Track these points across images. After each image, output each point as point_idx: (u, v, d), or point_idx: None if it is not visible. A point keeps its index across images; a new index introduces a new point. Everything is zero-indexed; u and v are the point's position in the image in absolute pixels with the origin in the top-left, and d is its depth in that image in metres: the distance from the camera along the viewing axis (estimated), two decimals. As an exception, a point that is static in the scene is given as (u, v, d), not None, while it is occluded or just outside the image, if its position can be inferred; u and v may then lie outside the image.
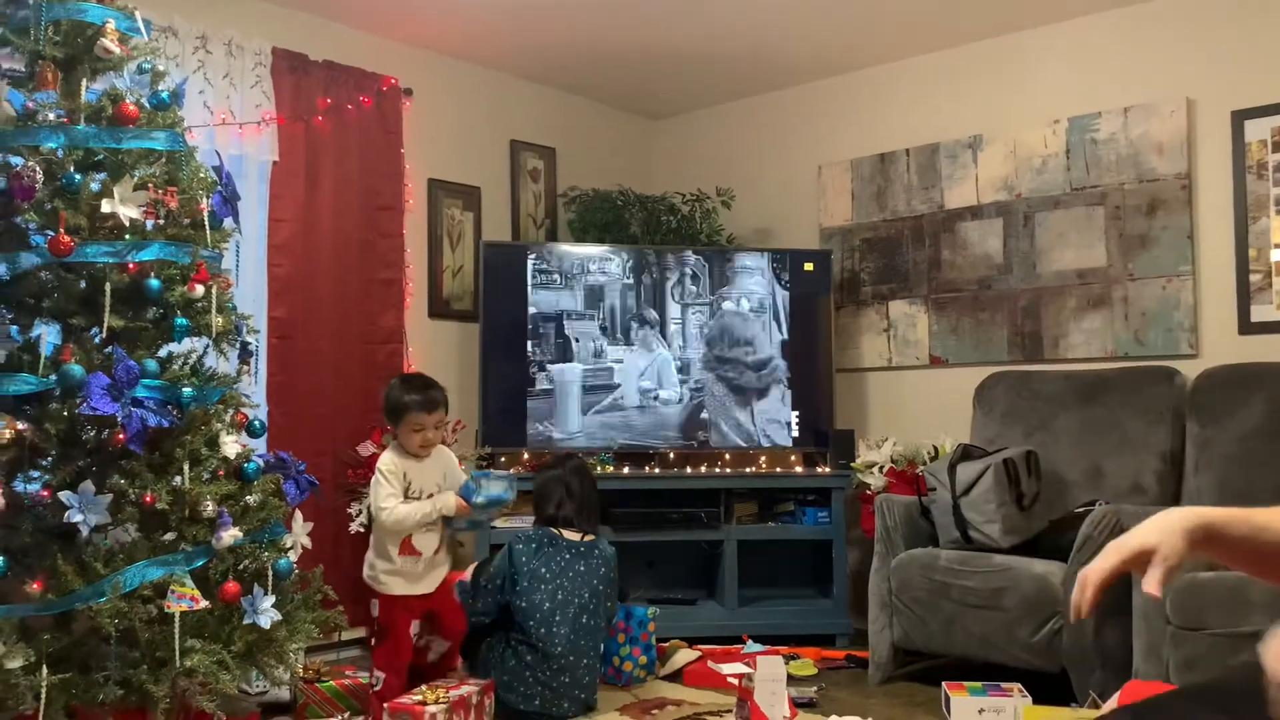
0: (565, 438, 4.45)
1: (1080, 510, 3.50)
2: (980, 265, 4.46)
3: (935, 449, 4.19)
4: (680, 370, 4.54)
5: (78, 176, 2.59)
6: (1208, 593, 2.92)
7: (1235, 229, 3.83)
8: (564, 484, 3.41)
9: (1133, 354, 4.02)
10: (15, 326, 2.57)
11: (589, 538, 3.36)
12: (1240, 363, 3.63)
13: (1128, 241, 4.08)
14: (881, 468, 4.24)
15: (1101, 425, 3.82)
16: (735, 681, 2.85)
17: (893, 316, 4.70)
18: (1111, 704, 1.43)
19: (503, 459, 4.37)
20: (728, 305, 4.58)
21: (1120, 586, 3.14)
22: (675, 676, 3.69)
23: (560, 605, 3.19)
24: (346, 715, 2.98)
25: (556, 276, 4.51)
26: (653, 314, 4.54)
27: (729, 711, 3.24)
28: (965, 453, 3.73)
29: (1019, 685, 3.09)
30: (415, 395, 3.15)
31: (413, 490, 3.11)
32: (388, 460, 3.13)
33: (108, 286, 2.56)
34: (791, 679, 3.09)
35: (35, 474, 2.52)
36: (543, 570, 3.22)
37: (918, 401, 4.57)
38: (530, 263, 4.49)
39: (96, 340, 2.61)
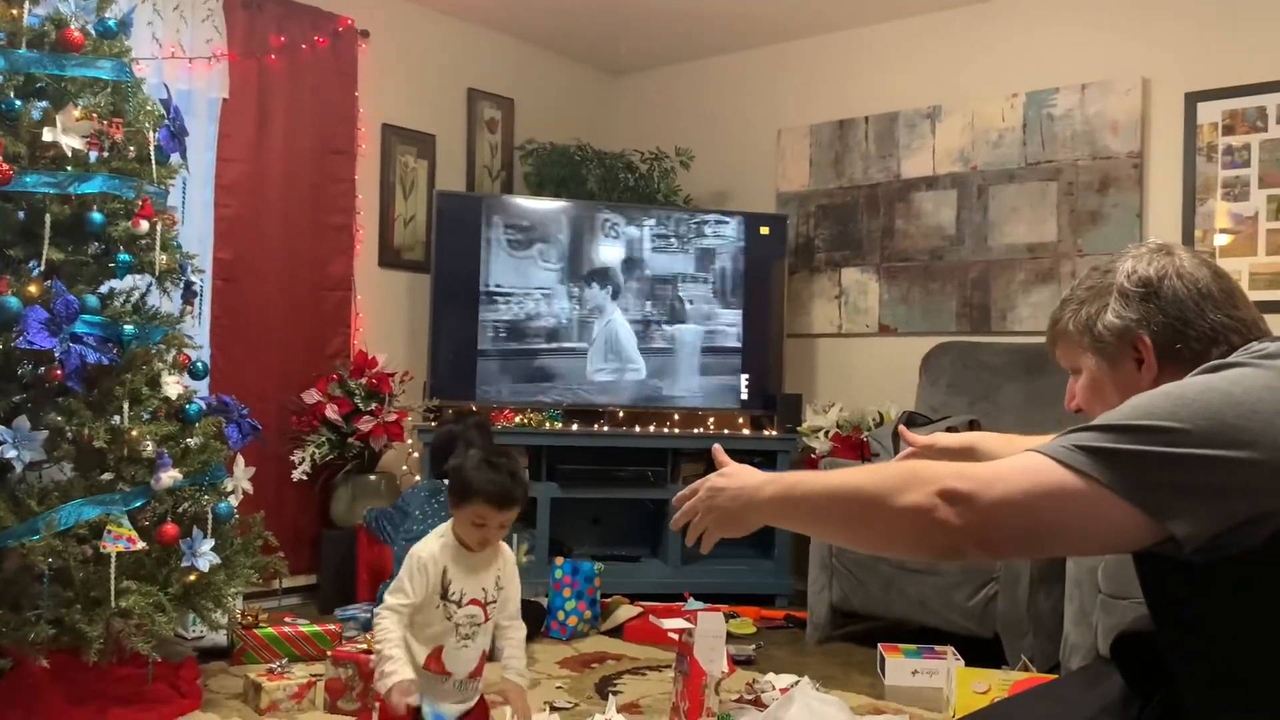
0: (513, 392, 4.43)
1: (1019, 480, 3.56)
2: (933, 236, 4.49)
3: (881, 416, 4.24)
4: (631, 329, 4.53)
5: (18, 103, 2.51)
6: (1138, 563, 3.00)
7: (1183, 210, 3.89)
8: (464, 439, 3.43)
9: (1077, 329, 4.08)
10: (-51, 256, 2.50)
11: None
12: (1180, 341, 3.70)
13: (1078, 218, 4.13)
14: (827, 432, 4.29)
15: (1045, 397, 3.87)
16: (675, 636, 2.87)
17: (845, 284, 4.72)
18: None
19: (450, 411, 4.34)
20: (682, 266, 4.57)
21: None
22: (616, 632, 3.72)
23: None
24: (284, 661, 2.96)
25: (511, 229, 4.46)
26: (606, 272, 4.52)
27: (668, 666, 3.27)
28: (909, 420, 3.78)
29: (952, 648, 3.16)
30: (493, 484, 2.28)
31: (451, 592, 2.27)
32: (432, 550, 2.28)
33: (48, 218, 2.50)
34: (731, 636, 3.12)
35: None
36: (426, 517, 3.37)
37: (866, 369, 4.61)
38: (484, 214, 4.43)
39: (35, 273, 2.55)
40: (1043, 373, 3.92)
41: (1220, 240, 3.82)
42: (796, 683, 2.82)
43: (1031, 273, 4.23)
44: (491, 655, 2.37)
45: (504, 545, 2.40)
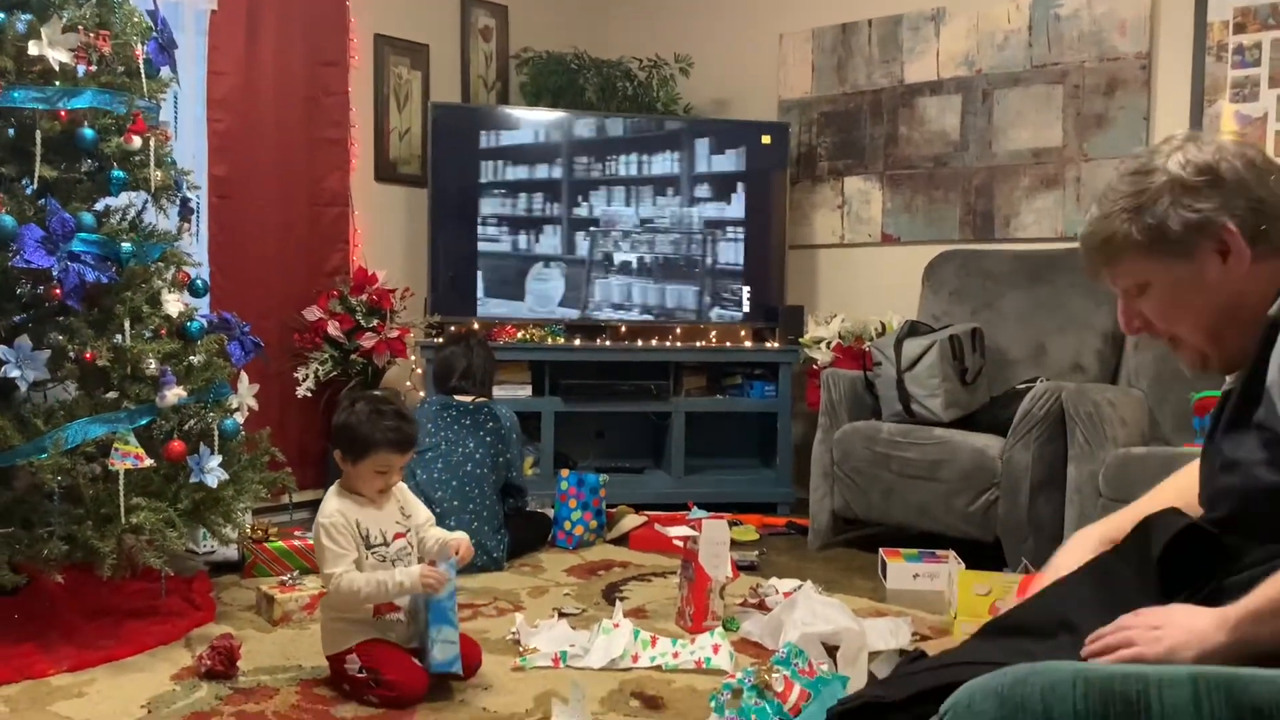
0: (514, 308, 4.42)
1: (1021, 387, 3.57)
2: (937, 142, 4.43)
3: (883, 325, 4.23)
4: (633, 242, 4.50)
5: (1, 16, 2.45)
6: (1139, 467, 3.01)
7: (1191, 112, 3.83)
8: (465, 358, 3.56)
9: (1082, 235, 4.05)
10: (-60, 174, 2.46)
11: (480, 400, 3.52)
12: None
13: (1084, 121, 4.06)
14: (829, 343, 4.28)
15: (1047, 305, 3.87)
16: (680, 544, 2.91)
17: (848, 193, 4.67)
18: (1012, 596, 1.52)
19: (452, 328, 4.33)
20: (681, 177, 4.52)
21: (1058, 459, 3.26)
22: (622, 540, 3.77)
23: (448, 460, 3.35)
24: (295, 574, 3.00)
25: (508, 141, 4.40)
26: (605, 184, 4.47)
27: (673, 573, 3.32)
28: (912, 329, 3.77)
29: (953, 552, 3.20)
30: (392, 431, 2.33)
31: (373, 537, 2.32)
32: (332, 511, 2.30)
33: (38, 134, 2.45)
34: (734, 544, 3.15)
35: (-32, 329, 2.46)
36: (438, 430, 3.39)
37: (868, 279, 4.59)
38: (481, 126, 4.37)
39: (28, 192, 2.52)
40: (1045, 280, 3.90)
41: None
42: (799, 587, 2.87)
43: (1036, 179, 4.18)
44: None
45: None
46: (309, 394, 3.99)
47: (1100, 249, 1.28)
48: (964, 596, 2.68)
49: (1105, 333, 3.74)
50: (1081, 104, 4.06)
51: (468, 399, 3.51)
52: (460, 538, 2.41)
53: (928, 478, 3.45)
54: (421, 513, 2.48)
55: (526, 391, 4.31)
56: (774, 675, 2.21)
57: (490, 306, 4.40)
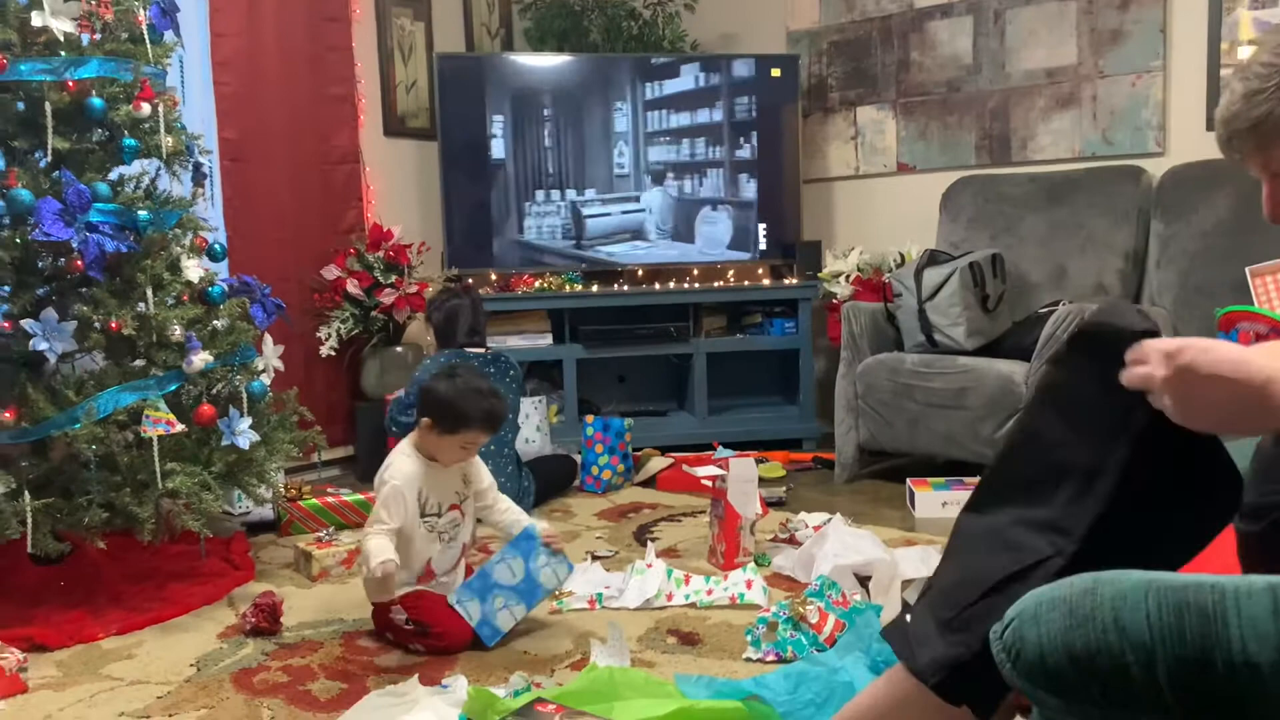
0: (530, 257, 4.42)
1: (1044, 310, 3.55)
2: (949, 66, 4.36)
3: (901, 256, 4.21)
4: (644, 183, 4.47)
5: (2, -13, 2.43)
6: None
7: (1209, 21, 3.74)
8: (469, 310, 3.50)
9: (1100, 154, 4.00)
10: (-46, 152, 2.47)
11: (490, 350, 3.52)
12: (1206, 159, 3.62)
13: (1099, 37, 3.99)
14: (848, 277, 4.26)
15: (1067, 226, 3.83)
16: (709, 483, 2.93)
17: (860, 123, 4.61)
18: None
19: (470, 279, 4.34)
20: (691, 115, 4.47)
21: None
22: (649, 483, 3.80)
23: None
24: (331, 530, 3.05)
25: (516, 88, 4.36)
26: (615, 126, 4.43)
27: (701, 513, 3.36)
28: (931, 258, 3.75)
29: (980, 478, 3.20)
30: (487, 412, 2.35)
31: (430, 506, 2.36)
32: (402, 472, 2.32)
33: (48, 106, 2.45)
34: (762, 480, 3.17)
35: (-6, 303, 2.48)
36: None
37: (885, 210, 4.55)
38: (487, 75, 4.33)
39: (42, 165, 2.52)
40: (1064, 202, 3.86)
41: (1247, 52, 3.69)
42: (829, 520, 2.89)
43: (1051, 99, 4.12)
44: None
45: None
46: (332, 352, 4.02)
47: (1250, 132, 1.17)
48: (993, 522, 2.69)
49: (1126, 252, 3.71)
50: (1095, 19, 3.98)
51: (480, 350, 3.51)
52: (546, 528, 2.43)
53: (953, 406, 3.45)
54: (485, 478, 2.49)
55: (547, 340, 4.32)
56: (808, 607, 2.24)
57: (505, 256, 4.39)
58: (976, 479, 3.13)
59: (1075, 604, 0.96)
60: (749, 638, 2.24)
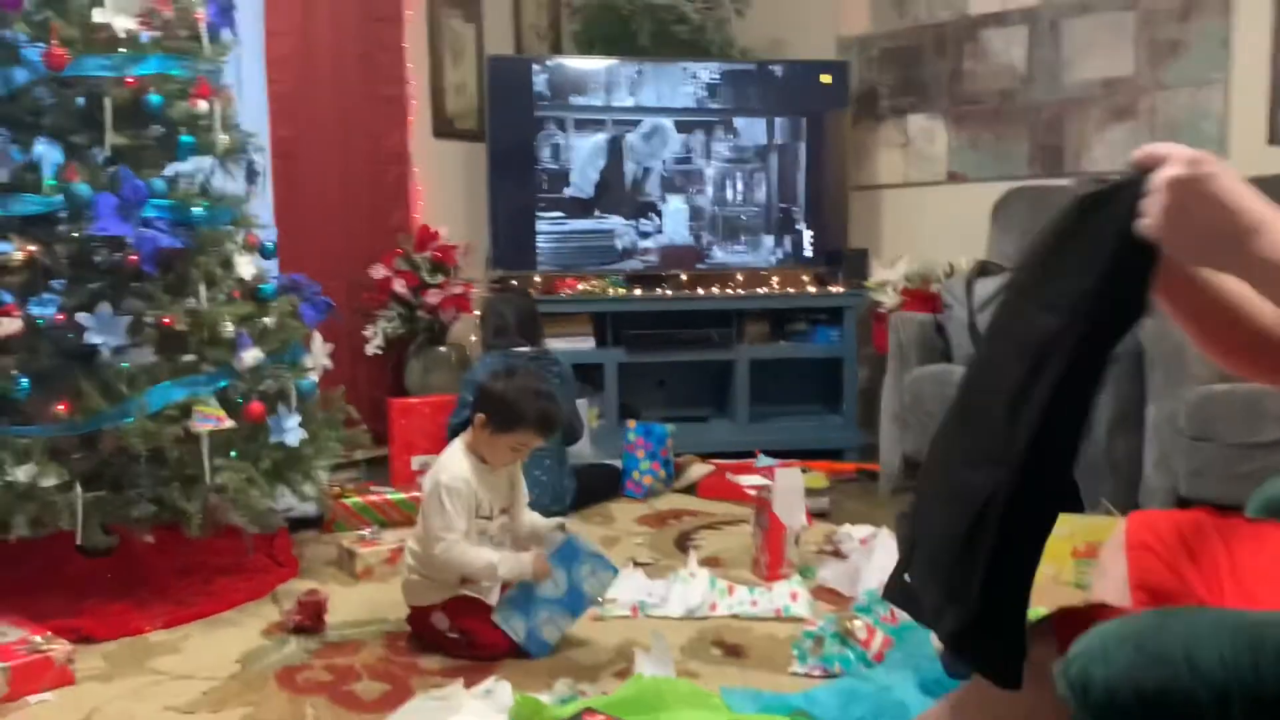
0: (574, 260, 4.41)
1: (1096, 325, 3.49)
2: (1003, 76, 4.30)
3: (951, 267, 4.15)
4: (691, 188, 4.45)
5: (66, -16, 2.46)
6: (1221, 404, 2.95)
7: (1273, 32, 3.66)
8: (516, 311, 3.57)
9: (1157, 167, 3.92)
10: (15, 146, 2.49)
11: (538, 350, 3.55)
12: (1266, 175, 3.54)
13: (1158, 48, 3.92)
14: (895, 286, 4.22)
15: (1121, 240, 3.76)
16: (753, 493, 2.91)
17: (911, 131, 4.57)
18: (1119, 534, 1.41)
19: (514, 282, 4.34)
20: (740, 120, 4.45)
21: (1135, 398, 3.19)
22: (690, 489, 3.78)
23: None
24: (374, 528, 3.05)
25: (564, 90, 4.36)
26: (663, 130, 4.42)
27: (743, 521, 3.32)
28: (982, 269, 3.70)
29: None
30: (542, 413, 2.35)
31: (482, 508, 2.34)
32: (458, 472, 2.30)
33: (107, 102, 2.47)
34: (805, 491, 3.14)
35: (49, 297, 2.50)
36: None
37: (934, 219, 4.50)
38: (536, 77, 4.33)
39: (100, 160, 2.54)
40: (1120, 214, 3.79)
41: (1313, 64, 3.61)
42: (875, 533, 2.85)
43: (1107, 110, 4.05)
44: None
45: None
46: (378, 351, 4.03)
47: None
48: (1044, 540, 2.64)
49: (1183, 267, 3.63)
50: (1155, 30, 3.91)
51: (527, 349, 3.54)
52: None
53: (1001, 420, 3.40)
54: (523, 489, 2.49)
55: (589, 343, 4.31)
56: (855, 623, 2.21)
57: (549, 259, 4.38)
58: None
59: (1144, 641, 0.94)
60: (795, 652, 2.21)
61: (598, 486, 3.63)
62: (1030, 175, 4.23)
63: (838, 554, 2.88)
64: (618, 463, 3.76)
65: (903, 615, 2.28)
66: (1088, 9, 4.06)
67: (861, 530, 2.98)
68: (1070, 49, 4.12)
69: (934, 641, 2.01)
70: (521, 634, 2.27)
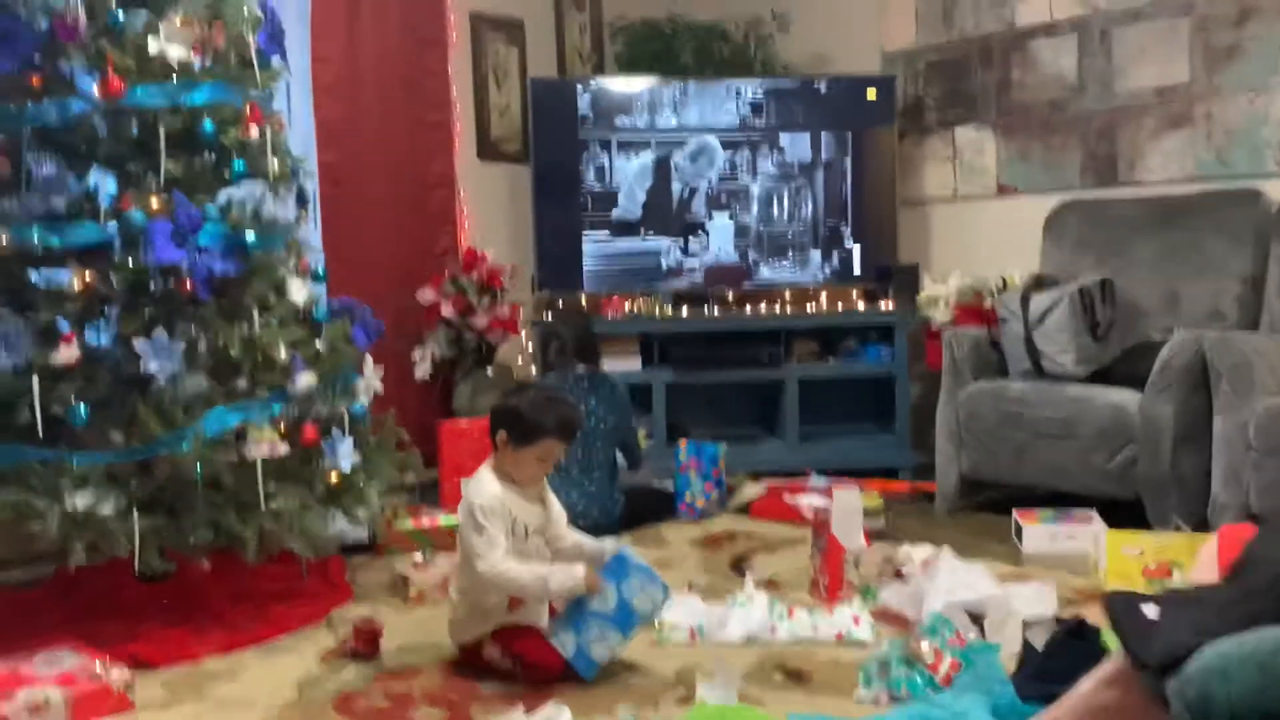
0: (620, 281, 4.39)
1: (1157, 338, 3.41)
2: (1052, 86, 4.24)
3: (1004, 281, 4.08)
4: (738, 206, 4.42)
5: (121, 14, 2.49)
6: (1294, 417, 2.86)
7: (1333, 36, 3.59)
8: (570, 332, 3.62)
9: (1214, 174, 3.83)
10: (71, 175, 2.51)
11: (593, 370, 3.59)
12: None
13: (1213, 54, 3.84)
14: (947, 301, 4.15)
15: (1180, 250, 3.68)
16: (810, 514, 2.86)
17: (959, 144, 4.51)
18: (1210, 550, 1.38)
19: (560, 302, 4.32)
20: (785, 138, 4.42)
21: (1200, 412, 3.10)
22: (742, 510, 3.73)
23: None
24: (426, 553, 3.03)
25: (608, 111, 4.35)
26: (708, 149, 4.39)
27: (799, 543, 3.26)
28: (1037, 282, 3.63)
29: (1095, 512, 3.07)
30: (560, 419, 2.35)
31: (518, 528, 2.31)
32: (492, 496, 2.29)
33: (162, 130, 2.49)
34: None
35: (105, 324, 2.51)
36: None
37: (984, 233, 4.43)
38: (580, 99, 4.32)
39: (154, 187, 2.56)
40: (1178, 225, 3.71)
41: (1377, 67, 3.51)
42: (937, 554, 2.78)
43: (1162, 119, 3.97)
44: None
45: None
46: (427, 375, 4.03)
47: None
48: (1113, 558, 2.57)
49: (1244, 276, 3.55)
50: (1210, 36, 3.84)
51: (581, 369, 3.56)
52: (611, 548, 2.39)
53: (1062, 436, 3.33)
54: (556, 507, 2.45)
55: (636, 364, 4.28)
56: (922, 645, 2.15)
57: (595, 280, 4.37)
58: (1090, 511, 3.01)
59: (1267, 663, 0.89)
60: (860, 676, 2.15)
61: (647, 508, 3.59)
62: (1083, 187, 4.15)
63: (898, 575, 2.81)
64: (669, 485, 3.72)
65: (970, 637, 2.23)
66: (1140, 16, 3.99)
67: (922, 551, 2.90)
68: (1122, 57, 4.05)
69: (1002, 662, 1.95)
70: (570, 649, 2.21)
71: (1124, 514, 3.15)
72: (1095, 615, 2.06)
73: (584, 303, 4.41)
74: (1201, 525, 3.02)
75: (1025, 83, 4.31)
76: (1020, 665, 2.04)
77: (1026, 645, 2.06)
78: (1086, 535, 3.03)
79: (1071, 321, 3.43)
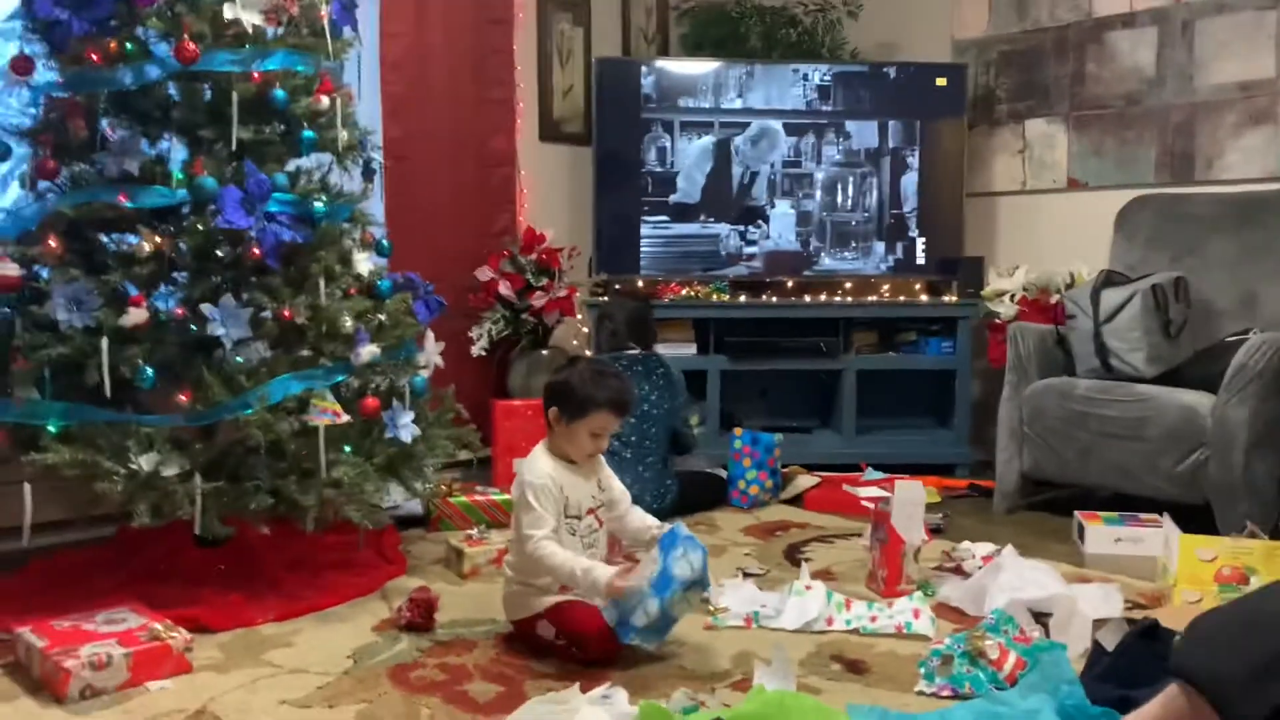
0: (677, 265, 4.35)
1: (1232, 339, 3.31)
2: (1129, 79, 4.13)
3: (1072, 276, 3.99)
4: (801, 192, 4.36)
5: (198, -21, 2.49)
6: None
7: None
8: (623, 314, 3.63)
9: (1297, 174, 3.72)
10: (144, 139, 2.53)
11: (646, 351, 3.55)
12: None
13: (1301, 49, 3.72)
14: (1013, 296, 4.07)
15: (1258, 249, 3.57)
16: (870, 505, 2.81)
17: (1029, 136, 4.41)
18: None
19: (617, 286, 4.30)
20: (852, 125, 4.35)
21: (1274, 416, 3.01)
22: (795, 501, 3.68)
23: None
24: (482, 528, 3.03)
25: (672, 93, 4.31)
26: (772, 134, 4.34)
27: (854, 535, 3.22)
28: (1108, 279, 3.54)
29: (1168, 515, 2.98)
30: (611, 391, 2.32)
31: (570, 508, 2.31)
32: (544, 473, 2.29)
33: (234, 97, 2.49)
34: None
35: (172, 290, 2.53)
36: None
37: (1052, 227, 4.33)
38: (644, 79, 4.29)
39: (225, 154, 2.57)
40: (1257, 224, 3.60)
41: None
42: (999, 551, 2.73)
43: (1244, 114, 3.85)
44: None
45: None
46: (483, 353, 4.03)
47: None
48: (1185, 562, 2.49)
49: (1327, 279, 3.43)
50: (1298, 30, 3.72)
51: (635, 351, 3.53)
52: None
53: (1130, 437, 3.24)
54: (616, 487, 2.43)
55: (691, 350, 4.24)
56: (987, 642, 2.10)
57: (653, 264, 4.33)
58: (1162, 515, 2.94)
59: None
60: (921, 670, 2.11)
61: (701, 493, 3.56)
62: (1158, 183, 4.04)
63: (959, 571, 2.76)
64: (722, 472, 3.68)
65: (1034, 635, 2.17)
66: (1224, 8, 3.87)
67: (983, 548, 2.86)
68: (1204, 50, 3.93)
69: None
70: (614, 619, 2.18)
71: (1189, 519, 3.06)
72: (1170, 616, 2.00)
73: (641, 285, 4.37)
74: (1275, 533, 2.92)
75: (1101, 75, 4.20)
76: (1089, 665, 1.98)
77: (1096, 645, 2.00)
78: (1153, 539, 2.96)
79: (1144, 319, 3.34)
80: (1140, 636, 1.94)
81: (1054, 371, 3.59)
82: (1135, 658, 1.88)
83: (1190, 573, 2.46)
